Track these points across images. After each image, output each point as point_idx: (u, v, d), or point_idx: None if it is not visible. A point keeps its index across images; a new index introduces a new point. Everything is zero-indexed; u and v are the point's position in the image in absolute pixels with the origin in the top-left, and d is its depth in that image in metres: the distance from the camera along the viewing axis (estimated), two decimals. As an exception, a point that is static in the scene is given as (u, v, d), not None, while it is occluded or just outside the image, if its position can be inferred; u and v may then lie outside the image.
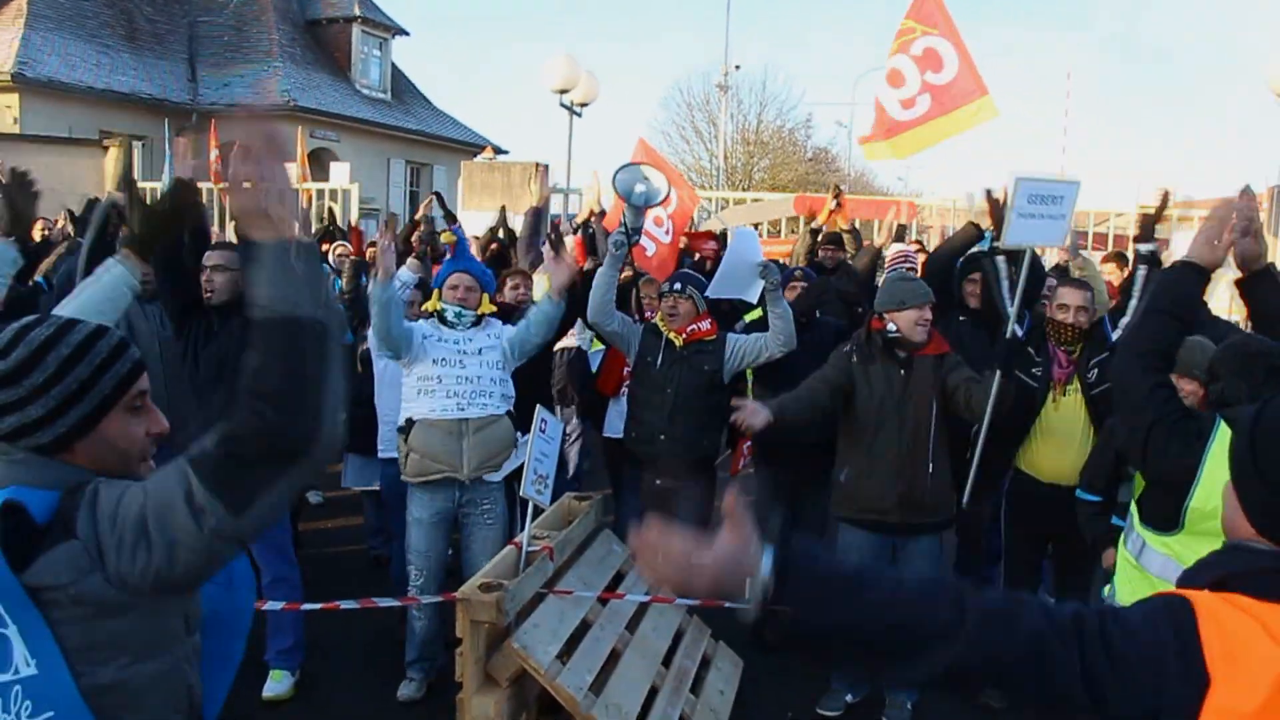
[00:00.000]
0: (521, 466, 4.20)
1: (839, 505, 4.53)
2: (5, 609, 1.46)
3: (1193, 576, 1.46)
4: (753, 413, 4.25)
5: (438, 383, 4.42)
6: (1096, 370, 4.47)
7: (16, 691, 1.47)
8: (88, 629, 1.50)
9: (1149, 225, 5.30)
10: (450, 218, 8.48)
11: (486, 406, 4.47)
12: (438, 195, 8.98)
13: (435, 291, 4.64)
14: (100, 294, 2.82)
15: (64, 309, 2.71)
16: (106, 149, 16.23)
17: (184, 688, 1.67)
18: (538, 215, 7.43)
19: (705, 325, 4.94)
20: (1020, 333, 4.72)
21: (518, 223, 9.19)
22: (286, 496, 1.56)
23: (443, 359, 4.45)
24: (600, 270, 4.88)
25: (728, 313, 5.79)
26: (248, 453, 1.49)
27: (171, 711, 1.64)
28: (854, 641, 1.42)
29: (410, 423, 4.46)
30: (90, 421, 1.62)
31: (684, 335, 4.87)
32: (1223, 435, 2.76)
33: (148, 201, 3.02)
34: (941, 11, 5.88)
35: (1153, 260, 5.01)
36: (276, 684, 4.50)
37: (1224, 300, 9.06)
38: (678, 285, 4.94)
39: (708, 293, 5.28)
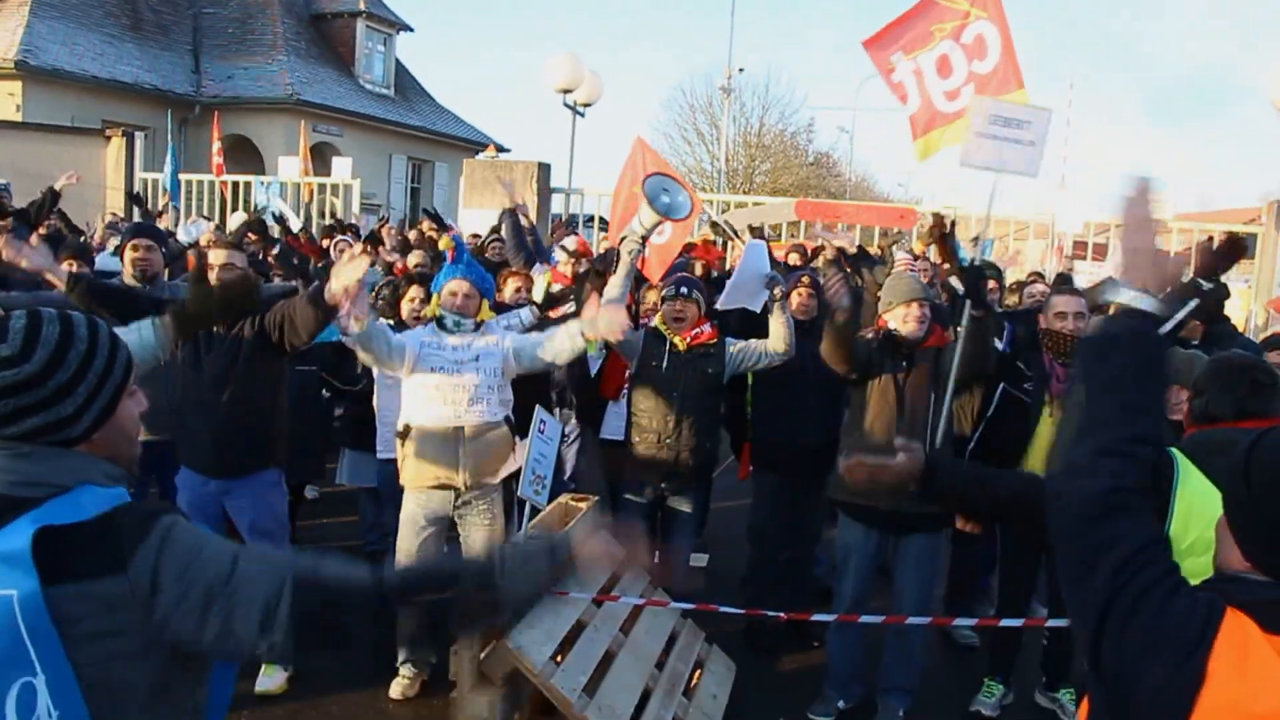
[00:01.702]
0: (519, 467, 4.20)
1: (835, 489, 4.60)
2: (37, 655, 1.45)
3: None
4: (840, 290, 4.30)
5: (435, 390, 4.40)
6: None
7: None
8: (108, 669, 1.49)
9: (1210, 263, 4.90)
10: (438, 219, 8.53)
11: (483, 414, 4.43)
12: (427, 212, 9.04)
13: (434, 296, 4.61)
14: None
15: None
16: (109, 139, 16.23)
17: None
18: (513, 216, 7.60)
19: (707, 329, 4.96)
20: (1001, 345, 4.76)
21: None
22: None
23: (440, 368, 4.41)
24: (613, 279, 4.86)
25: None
26: (359, 621, 1.62)
27: None
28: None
29: (408, 428, 4.47)
30: (109, 411, 1.65)
31: (688, 339, 4.89)
32: (1185, 467, 2.75)
33: (210, 276, 2.99)
34: None
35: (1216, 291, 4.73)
36: (269, 678, 4.50)
37: (1235, 313, 9.10)
38: (684, 289, 4.94)
39: (718, 304, 5.32)
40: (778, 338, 4.82)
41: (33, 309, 1.65)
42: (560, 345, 4.42)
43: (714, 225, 8.73)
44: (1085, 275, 9.72)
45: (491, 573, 1.74)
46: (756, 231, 8.72)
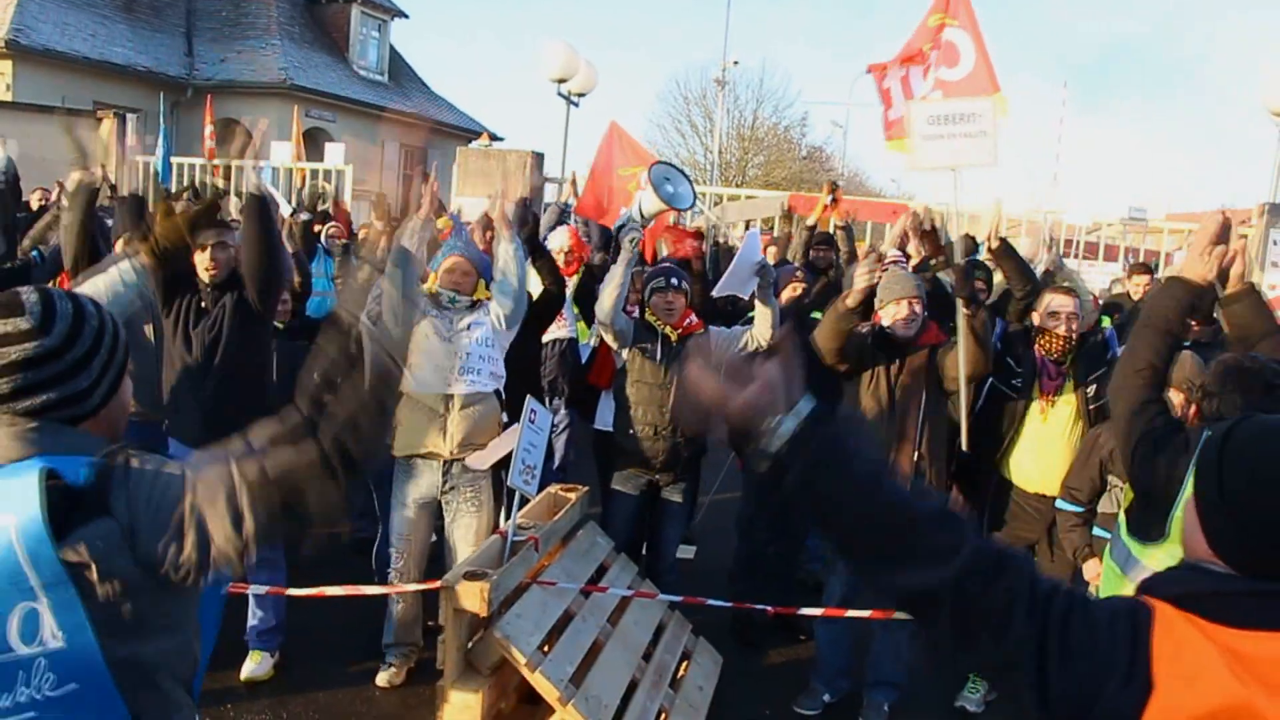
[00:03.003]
0: (508, 455, 4.20)
1: None
2: (41, 583, 1.44)
3: (1150, 589, 1.47)
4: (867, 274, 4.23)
5: (426, 357, 4.42)
6: (1095, 385, 4.48)
7: (40, 664, 1.46)
8: (112, 605, 1.50)
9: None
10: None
11: (474, 383, 4.46)
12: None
13: (432, 274, 4.62)
14: (105, 291, 2.78)
15: None
16: (100, 120, 16.11)
17: (191, 661, 1.69)
18: (525, 205, 7.60)
19: (694, 319, 4.97)
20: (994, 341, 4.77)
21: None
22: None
23: (433, 333, 4.45)
24: (615, 268, 4.85)
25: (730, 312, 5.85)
26: (309, 478, 1.55)
27: (176, 684, 1.66)
28: (852, 521, 1.47)
29: (399, 395, 4.47)
30: (115, 387, 1.66)
31: (679, 330, 4.89)
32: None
33: (175, 207, 2.98)
34: (965, 3, 5.75)
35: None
36: (255, 665, 4.50)
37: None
38: (674, 280, 4.94)
39: (714, 292, 5.34)
40: (764, 324, 4.85)
41: (38, 286, 1.65)
42: (501, 259, 4.53)
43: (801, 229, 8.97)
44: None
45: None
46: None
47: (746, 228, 9.53)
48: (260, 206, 4.30)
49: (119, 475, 1.52)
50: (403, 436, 4.47)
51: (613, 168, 9.20)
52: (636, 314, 5.07)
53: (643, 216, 4.90)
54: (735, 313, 6.14)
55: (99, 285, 2.78)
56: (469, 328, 4.49)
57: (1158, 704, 1.30)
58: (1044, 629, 1.37)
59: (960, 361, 4.27)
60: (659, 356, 4.84)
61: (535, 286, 6.19)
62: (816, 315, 5.51)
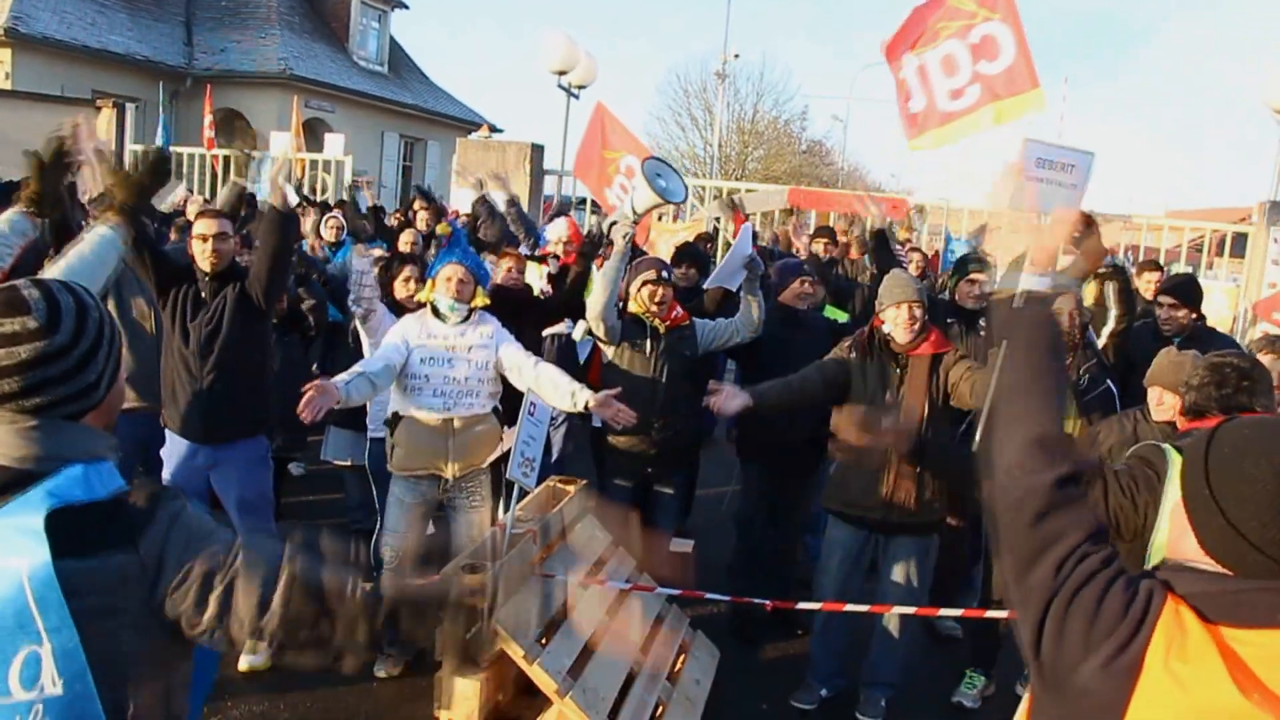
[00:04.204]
0: (508, 449, 4.20)
1: (828, 498, 4.57)
2: (44, 624, 1.45)
3: None
4: (729, 396, 4.28)
5: (425, 381, 4.39)
6: (1087, 377, 4.49)
7: (37, 710, 1.46)
8: (111, 643, 1.49)
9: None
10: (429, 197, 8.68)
11: (473, 406, 4.44)
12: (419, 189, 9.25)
13: (429, 282, 4.59)
14: (91, 258, 2.78)
15: (51, 272, 2.69)
16: (99, 109, 16.05)
17: (181, 709, 1.68)
18: (485, 204, 7.93)
19: (679, 312, 4.98)
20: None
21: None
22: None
23: (431, 358, 4.40)
24: (608, 264, 4.83)
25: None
26: (344, 629, 1.59)
27: None
28: (1032, 376, 1.75)
29: (397, 417, 4.46)
30: (115, 377, 1.65)
31: (668, 323, 4.89)
32: (1176, 462, 2.75)
33: (126, 167, 2.96)
34: None
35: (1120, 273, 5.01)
36: (253, 655, 4.49)
37: (1223, 312, 9.14)
38: (665, 273, 4.95)
39: (707, 283, 5.36)
40: (747, 315, 4.93)
41: (35, 278, 1.64)
42: (554, 395, 4.38)
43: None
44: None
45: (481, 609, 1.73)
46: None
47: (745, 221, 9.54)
48: (284, 222, 4.31)
49: (166, 516, 1.54)
50: (402, 456, 4.44)
51: (598, 149, 9.34)
52: (621, 306, 5.07)
53: (634, 211, 4.90)
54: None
55: (84, 253, 2.76)
56: (469, 350, 4.45)
57: (1147, 688, 1.31)
58: (1059, 586, 1.43)
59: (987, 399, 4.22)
60: (649, 350, 4.84)
61: (536, 281, 6.19)
62: (828, 314, 5.53)
